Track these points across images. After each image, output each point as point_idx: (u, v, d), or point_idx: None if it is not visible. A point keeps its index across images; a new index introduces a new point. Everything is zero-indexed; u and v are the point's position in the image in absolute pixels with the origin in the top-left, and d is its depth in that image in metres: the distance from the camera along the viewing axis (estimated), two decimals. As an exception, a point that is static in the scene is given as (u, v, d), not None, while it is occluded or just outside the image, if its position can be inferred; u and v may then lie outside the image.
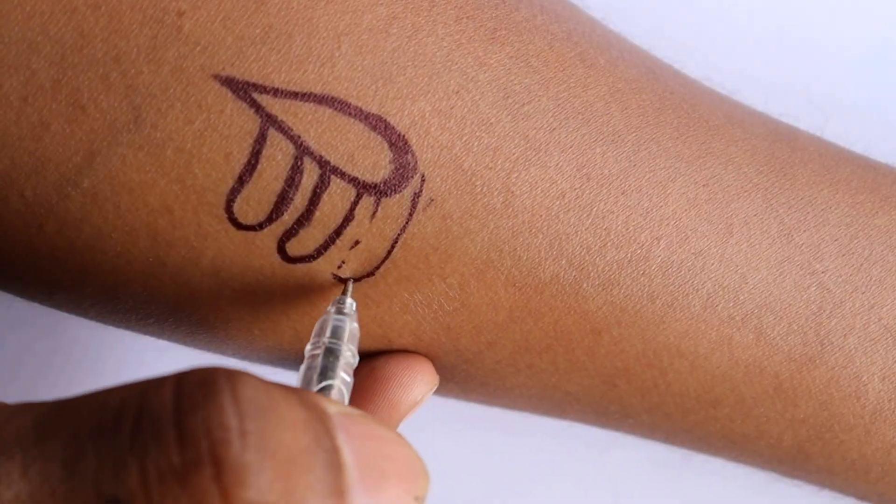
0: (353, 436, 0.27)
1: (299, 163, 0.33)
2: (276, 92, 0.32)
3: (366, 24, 0.33)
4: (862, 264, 0.38)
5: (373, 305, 0.35)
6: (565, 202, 0.35)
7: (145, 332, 0.38)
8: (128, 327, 0.38)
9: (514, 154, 0.34)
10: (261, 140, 0.32)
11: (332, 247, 0.34)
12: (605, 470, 0.52)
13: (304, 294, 0.35)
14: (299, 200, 0.33)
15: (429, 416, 0.40)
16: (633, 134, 0.36)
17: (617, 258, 0.36)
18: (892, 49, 0.52)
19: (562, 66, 0.36)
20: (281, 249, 0.34)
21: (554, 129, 0.35)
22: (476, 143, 0.34)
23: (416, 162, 0.33)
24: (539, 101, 0.35)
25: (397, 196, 0.34)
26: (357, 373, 0.35)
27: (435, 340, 0.36)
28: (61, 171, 0.32)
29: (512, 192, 0.34)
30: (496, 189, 0.34)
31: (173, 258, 0.34)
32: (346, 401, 0.32)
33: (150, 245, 0.33)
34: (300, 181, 0.33)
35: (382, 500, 0.27)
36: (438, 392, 0.38)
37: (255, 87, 0.32)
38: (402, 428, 0.37)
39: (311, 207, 0.33)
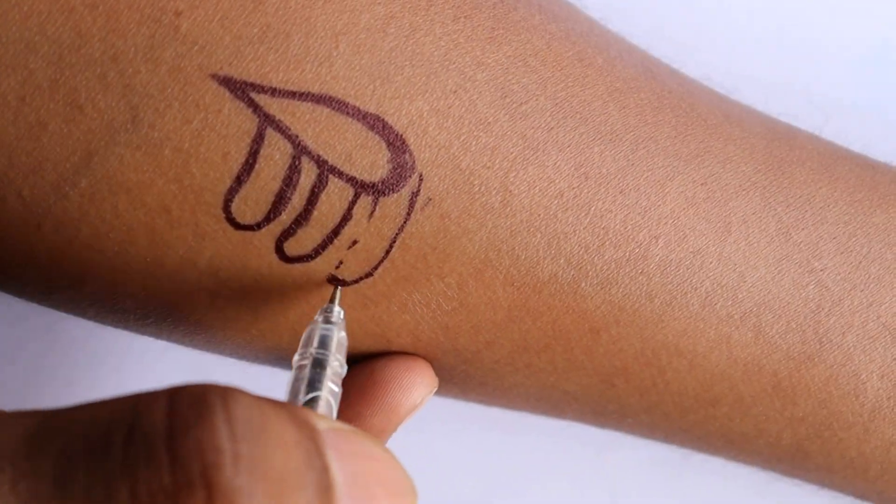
0: (343, 454, 0.27)
1: (297, 162, 0.33)
2: (274, 91, 0.32)
3: (363, 23, 0.33)
4: (860, 262, 0.38)
5: (371, 305, 0.35)
6: (563, 201, 0.35)
7: (143, 333, 0.38)
8: (126, 327, 0.38)
9: (511, 153, 0.34)
10: (259, 139, 0.32)
11: (330, 246, 0.34)
12: (603, 470, 0.52)
13: (303, 294, 0.35)
14: (297, 200, 0.33)
15: (427, 417, 0.40)
16: (631, 133, 0.36)
17: (615, 257, 0.36)
18: (891, 49, 0.52)
19: (560, 66, 0.36)
20: (279, 249, 0.34)
21: (552, 128, 0.35)
22: (474, 143, 0.34)
23: (414, 161, 0.33)
24: (537, 100, 0.35)
25: (395, 195, 0.34)
26: (356, 375, 0.35)
27: (433, 340, 0.36)
28: (59, 171, 0.32)
29: (510, 192, 0.34)
30: (494, 188, 0.34)
31: (171, 258, 0.34)
32: (335, 412, 0.32)
33: (148, 245, 0.33)
34: (298, 181, 0.33)
35: None
36: (437, 392, 0.38)
37: (253, 86, 0.32)
38: (401, 429, 0.37)
39: (309, 207, 0.33)
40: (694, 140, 0.37)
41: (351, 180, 0.33)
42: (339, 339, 0.33)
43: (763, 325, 0.37)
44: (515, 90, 0.34)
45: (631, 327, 0.36)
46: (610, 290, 0.36)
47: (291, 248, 0.34)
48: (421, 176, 0.34)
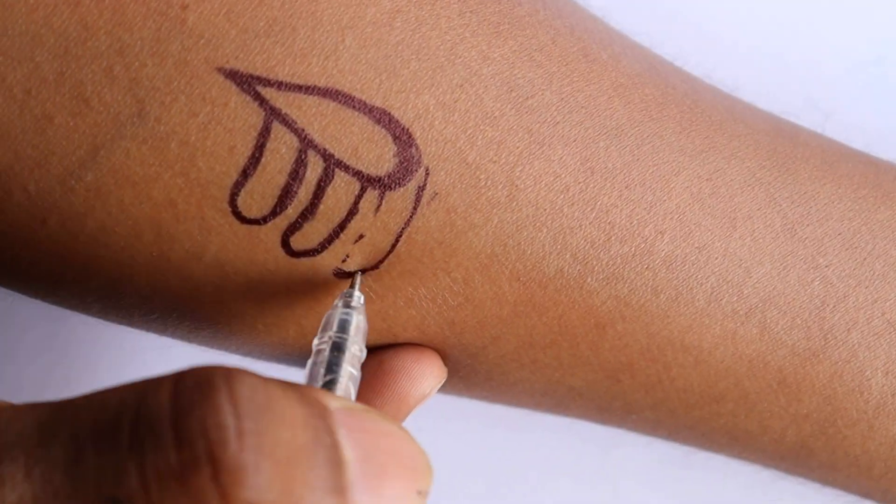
0: (355, 431, 0.27)
1: (303, 156, 0.33)
2: (281, 85, 0.32)
3: (370, 17, 0.33)
4: (865, 259, 0.38)
5: (377, 300, 0.35)
6: (569, 196, 0.35)
7: (148, 329, 0.38)
8: (131, 324, 0.37)
9: (517, 148, 0.34)
10: (265, 133, 0.32)
11: (337, 241, 0.34)
12: (606, 468, 0.52)
13: (309, 288, 0.35)
14: (303, 194, 0.33)
15: (432, 414, 0.40)
16: (637, 128, 0.36)
17: (621, 252, 0.35)
18: (891, 49, 0.52)
19: (565, 61, 0.36)
20: (285, 243, 0.34)
21: (557, 122, 0.35)
22: (480, 137, 0.34)
23: (420, 155, 0.33)
24: (542, 95, 0.35)
25: (401, 190, 0.34)
26: (365, 365, 0.35)
27: (439, 335, 0.36)
28: (65, 165, 0.32)
29: (516, 186, 0.34)
30: (500, 183, 0.34)
31: (177, 252, 0.34)
32: (354, 395, 0.32)
33: (153, 239, 0.33)
34: (304, 174, 0.33)
35: (385, 496, 0.27)
36: (442, 388, 0.38)
37: (260, 80, 0.32)
38: (405, 424, 0.37)
39: (315, 201, 0.33)
40: (699, 136, 0.37)
41: (357, 174, 0.33)
42: (358, 323, 0.33)
43: (768, 321, 0.37)
44: (521, 84, 0.34)
45: (637, 323, 0.36)
46: (616, 285, 0.36)
47: (297, 242, 0.34)
48: (427, 170, 0.34)
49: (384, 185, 0.33)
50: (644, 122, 0.36)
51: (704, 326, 0.36)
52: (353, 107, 0.33)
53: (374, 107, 0.33)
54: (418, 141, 0.33)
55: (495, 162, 0.34)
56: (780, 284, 0.37)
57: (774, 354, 0.37)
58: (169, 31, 0.32)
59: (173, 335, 0.38)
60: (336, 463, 0.26)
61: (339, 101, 0.33)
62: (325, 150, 0.33)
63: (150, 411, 0.25)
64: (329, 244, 0.34)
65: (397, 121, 0.33)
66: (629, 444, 0.45)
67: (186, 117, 0.32)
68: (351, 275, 0.34)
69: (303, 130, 0.33)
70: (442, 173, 0.34)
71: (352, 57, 0.33)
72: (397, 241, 0.34)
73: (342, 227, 0.34)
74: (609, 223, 0.35)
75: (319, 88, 0.33)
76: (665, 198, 0.36)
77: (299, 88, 0.32)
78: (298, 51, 0.32)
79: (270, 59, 0.32)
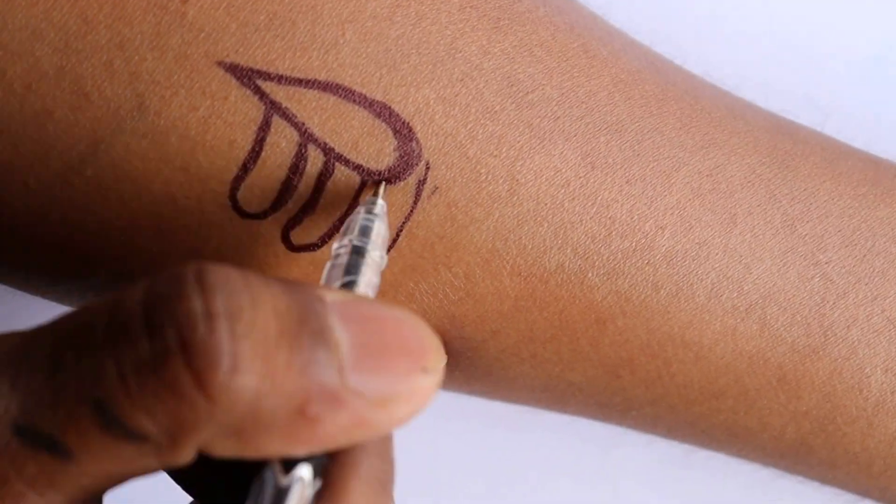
0: (350, 318, 0.26)
1: (303, 150, 0.33)
2: (281, 79, 0.32)
3: (370, 11, 0.33)
4: (865, 255, 0.38)
5: (378, 295, 0.35)
6: (570, 191, 0.35)
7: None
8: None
9: (518, 142, 0.34)
10: (265, 127, 0.32)
11: (337, 235, 0.34)
12: (606, 468, 0.52)
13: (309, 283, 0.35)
14: (303, 188, 0.33)
15: (432, 414, 0.40)
16: (637, 123, 0.36)
17: (622, 247, 0.35)
18: (891, 49, 0.52)
19: (565, 56, 0.36)
20: (285, 238, 0.34)
21: (558, 117, 0.35)
22: (480, 131, 0.34)
23: (421, 149, 0.33)
24: (543, 89, 0.35)
25: (402, 184, 0.34)
26: None
27: (439, 329, 0.36)
28: (65, 160, 0.32)
29: (517, 181, 0.34)
30: (501, 177, 0.34)
31: (177, 247, 0.34)
32: None
33: (153, 234, 0.33)
34: (304, 169, 0.33)
35: (385, 375, 0.26)
36: (441, 385, 0.38)
37: (260, 73, 0.32)
38: (404, 425, 0.36)
39: (316, 195, 0.33)
40: (699, 132, 0.37)
41: (357, 168, 0.33)
42: (380, 229, 0.32)
43: (768, 317, 0.37)
44: (521, 79, 0.35)
45: (637, 318, 0.36)
46: (616, 280, 0.36)
47: (298, 236, 0.34)
48: (427, 164, 0.34)
49: (384, 179, 0.33)
50: (644, 117, 0.36)
51: (704, 322, 0.36)
52: (354, 101, 0.33)
53: (374, 101, 0.33)
54: (419, 135, 0.33)
55: (496, 156, 0.34)
56: (779, 281, 0.37)
57: (774, 351, 0.37)
58: (169, 25, 0.32)
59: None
60: (326, 344, 0.26)
61: (340, 95, 0.33)
62: (325, 144, 0.33)
63: (124, 310, 0.25)
64: (329, 238, 0.34)
65: (398, 115, 0.33)
66: (629, 444, 0.45)
67: (186, 111, 0.32)
68: (378, 182, 0.34)
69: (303, 124, 0.33)
70: (442, 167, 0.34)
71: (352, 51, 0.33)
72: (398, 235, 0.34)
73: (342, 221, 0.34)
74: (610, 218, 0.35)
75: (319, 82, 0.33)
76: (665, 193, 0.36)
77: (299, 82, 0.32)
78: (298, 44, 0.32)
79: (270, 52, 0.32)
